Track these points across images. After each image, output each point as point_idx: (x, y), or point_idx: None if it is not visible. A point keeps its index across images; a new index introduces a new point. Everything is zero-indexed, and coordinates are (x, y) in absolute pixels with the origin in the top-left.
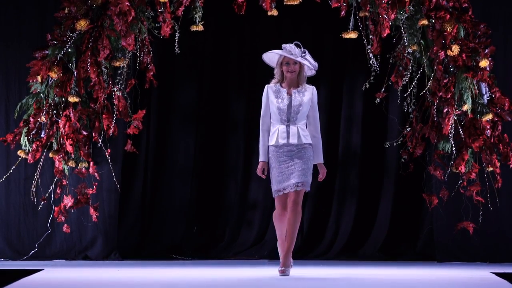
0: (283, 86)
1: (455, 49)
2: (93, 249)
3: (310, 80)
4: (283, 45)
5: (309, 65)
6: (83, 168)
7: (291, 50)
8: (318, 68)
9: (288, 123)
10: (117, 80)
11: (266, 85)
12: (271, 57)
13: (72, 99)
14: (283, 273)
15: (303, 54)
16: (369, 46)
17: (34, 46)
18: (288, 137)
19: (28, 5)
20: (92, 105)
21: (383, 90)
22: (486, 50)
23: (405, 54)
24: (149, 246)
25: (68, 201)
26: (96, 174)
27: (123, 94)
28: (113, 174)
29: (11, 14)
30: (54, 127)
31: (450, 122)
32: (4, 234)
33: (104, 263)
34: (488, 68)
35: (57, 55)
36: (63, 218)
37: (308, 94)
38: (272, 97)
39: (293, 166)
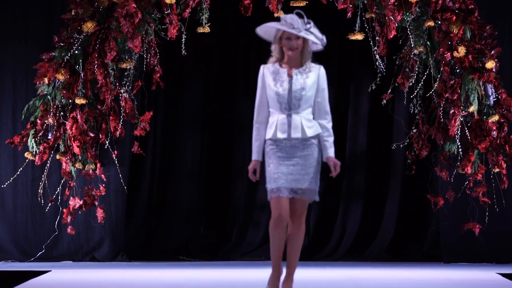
0: (283, 66)
1: (461, 50)
2: (100, 251)
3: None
4: (282, 16)
5: (315, 39)
6: (90, 170)
7: (292, 22)
8: (325, 44)
9: (290, 112)
10: (124, 82)
11: (262, 65)
12: (267, 30)
13: (79, 100)
14: None
15: (307, 25)
16: (376, 48)
17: (41, 48)
18: (289, 130)
19: (36, 6)
20: (99, 106)
21: (389, 91)
22: (492, 52)
23: (411, 56)
24: (156, 247)
25: (75, 202)
26: (103, 175)
27: (130, 95)
28: (120, 175)
29: (19, 16)
30: (61, 129)
31: (456, 123)
32: (11, 235)
33: (111, 264)
34: (494, 70)
35: (64, 57)
36: (68, 219)
37: (313, 75)
38: (269, 80)
39: (296, 166)
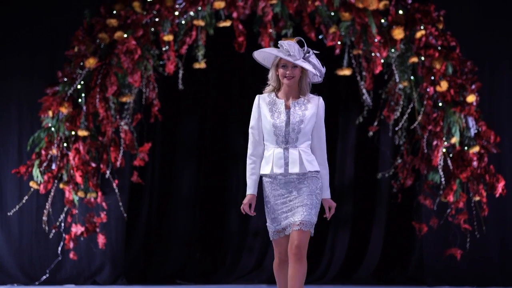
0: (280, 96)
1: (444, 85)
2: (101, 275)
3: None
4: (280, 42)
5: (312, 69)
6: (92, 198)
7: (289, 49)
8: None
9: (287, 145)
10: (124, 115)
11: (257, 96)
12: (265, 56)
13: (82, 133)
14: None
15: (307, 54)
16: (362, 82)
17: (45, 83)
18: (286, 165)
19: (41, 43)
20: (100, 138)
21: (375, 123)
22: (473, 86)
23: (396, 90)
24: (154, 271)
25: (77, 229)
26: (104, 203)
27: (129, 128)
28: (120, 203)
29: (25, 53)
30: (65, 159)
31: (439, 154)
32: (17, 260)
33: None
34: (474, 103)
35: (67, 91)
36: (71, 245)
37: (312, 107)
38: (266, 111)
39: (294, 200)
